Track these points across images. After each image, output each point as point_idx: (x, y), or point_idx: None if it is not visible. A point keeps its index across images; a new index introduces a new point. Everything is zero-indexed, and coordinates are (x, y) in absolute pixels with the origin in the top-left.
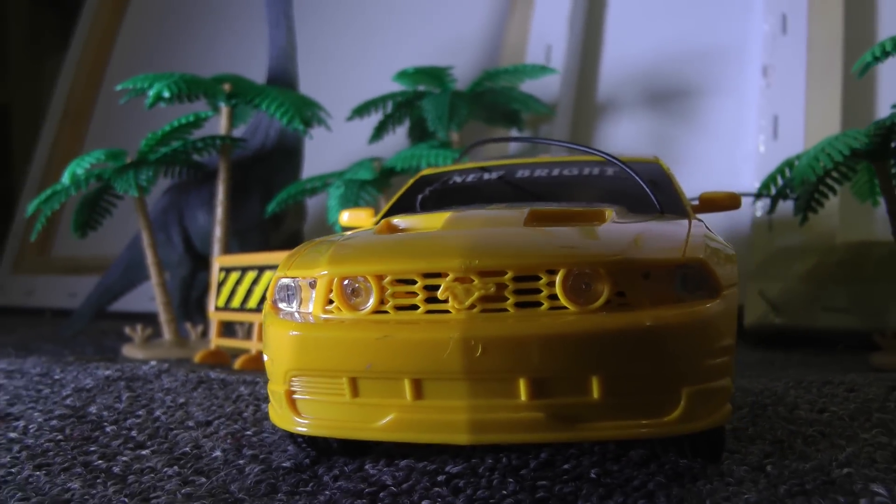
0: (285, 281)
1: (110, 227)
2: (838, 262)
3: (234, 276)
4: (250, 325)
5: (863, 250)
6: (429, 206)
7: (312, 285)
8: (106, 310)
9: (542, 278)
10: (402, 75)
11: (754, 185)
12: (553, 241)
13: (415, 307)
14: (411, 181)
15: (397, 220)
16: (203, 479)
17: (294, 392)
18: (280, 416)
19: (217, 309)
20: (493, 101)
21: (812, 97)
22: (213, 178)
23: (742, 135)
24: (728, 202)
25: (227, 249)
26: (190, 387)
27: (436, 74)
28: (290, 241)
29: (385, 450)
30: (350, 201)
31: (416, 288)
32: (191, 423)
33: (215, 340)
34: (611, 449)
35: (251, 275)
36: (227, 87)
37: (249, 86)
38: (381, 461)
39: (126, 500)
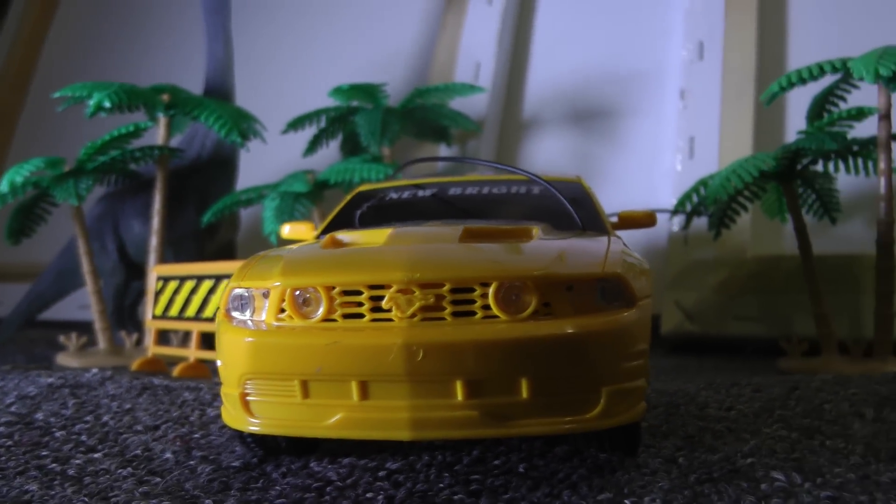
0: (239, 291)
1: (39, 233)
2: (749, 274)
3: (172, 285)
4: (186, 333)
5: (772, 263)
6: (367, 221)
7: (265, 295)
8: (35, 318)
9: (476, 290)
10: (337, 91)
11: (671, 202)
12: (486, 256)
13: (360, 316)
14: (349, 197)
15: (341, 236)
16: (157, 479)
17: (247, 394)
18: (233, 417)
19: (154, 317)
20: (423, 117)
21: (726, 120)
22: (148, 188)
23: (660, 154)
24: (645, 220)
25: (162, 258)
26: (135, 393)
27: (369, 91)
28: (223, 251)
29: (329, 448)
30: (285, 213)
31: (362, 298)
32: (139, 428)
33: (152, 349)
34: (537, 446)
35: (189, 284)
36: (165, 97)
37: (188, 97)
38: (325, 459)
39: (86, 499)
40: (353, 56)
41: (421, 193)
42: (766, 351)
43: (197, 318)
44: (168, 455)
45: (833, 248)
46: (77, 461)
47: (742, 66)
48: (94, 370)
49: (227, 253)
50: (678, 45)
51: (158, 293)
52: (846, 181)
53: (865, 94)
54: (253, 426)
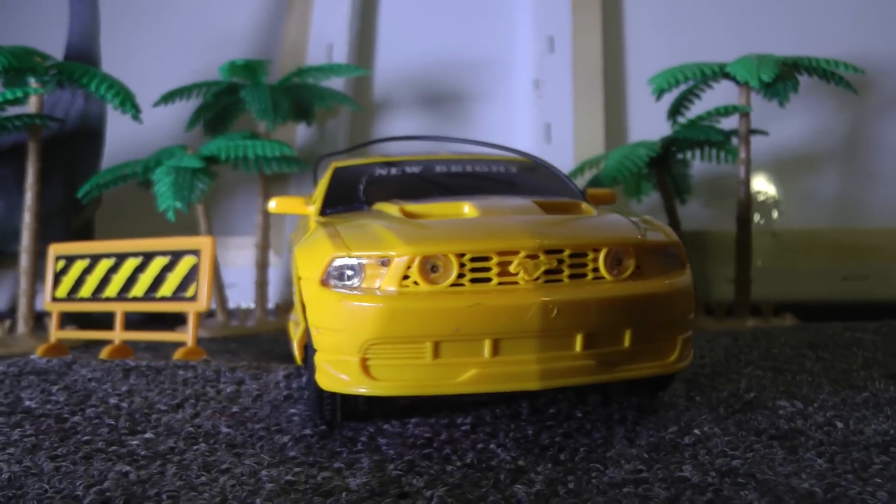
0: (346, 261)
1: None
2: None
3: (80, 264)
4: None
5: None
6: (376, 196)
7: (384, 263)
8: None
9: (588, 255)
10: (231, 67)
11: None
12: (592, 225)
13: (486, 280)
14: (329, 173)
15: (410, 208)
16: (251, 451)
17: (368, 359)
18: (345, 382)
19: (56, 300)
20: (300, 95)
21: (578, 109)
22: (4, 160)
23: (516, 139)
24: (608, 199)
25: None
26: (119, 375)
27: (252, 67)
28: (83, 229)
29: (386, 414)
30: (185, 188)
31: (490, 264)
32: (161, 408)
33: (55, 333)
34: (571, 396)
35: (106, 262)
36: (38, 61)
37: (74, 64)
38: (394, 422)
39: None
40: (198, 29)
41: (410, 169)
42: None
43: (120, 297)
44: (226, 430)
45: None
46: (133, 442)
47: (590, 61)
48: (43, 358)
49: (87, 231)
50: (527, 38)
51: (60, 274)
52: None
53: (719, 94)
54: (375, 389)
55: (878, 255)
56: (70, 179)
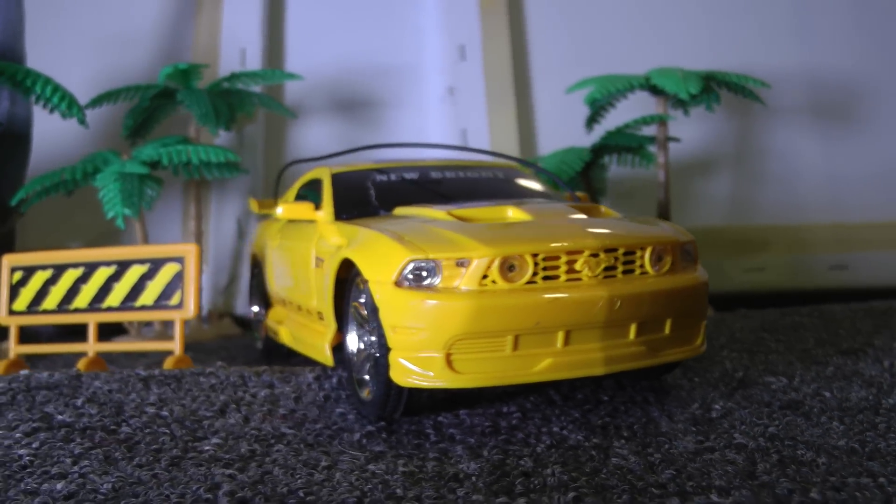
0: (421, 263)
1: None
2: None
3: (41, 275)
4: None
5: None
6: (389, 201)
7: (462, 264)
8: None
9: (637, 252)
10: (175, 71)
11: None
12: (640, 228)
13: (556, 277)
14: (328, 180)
15: (458, 212)
16: (336, 449)
17: (452, 354)
18: (429, 376)
19: (14, 313)
20: (231, 101)
21: (493, 115)
22: None
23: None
24: (586, 202)
25: None
26: (139, 386)
27: (186, 72)
28: (7, 238)
29: (436, 406)
30: (134, 195)
31: (559, 262)
32: (207, 414)
33: (15, 349)
34: (588, 382)
35: (73, 273)
36: None
37: (14, 65)
38: (446, 414)
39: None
40: (97, 29)
41: (409, 175)
42: None
43: (93, 308)
44: (289, 431)
45: None
46: (207, 447)
47: (500, 68)
48: (45, 374)
49: (9, 242)
50: (438, 45)
51: (18, 285)
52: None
53: (629, 103)
54: (459, 382)
55: (771, 250)
56: None
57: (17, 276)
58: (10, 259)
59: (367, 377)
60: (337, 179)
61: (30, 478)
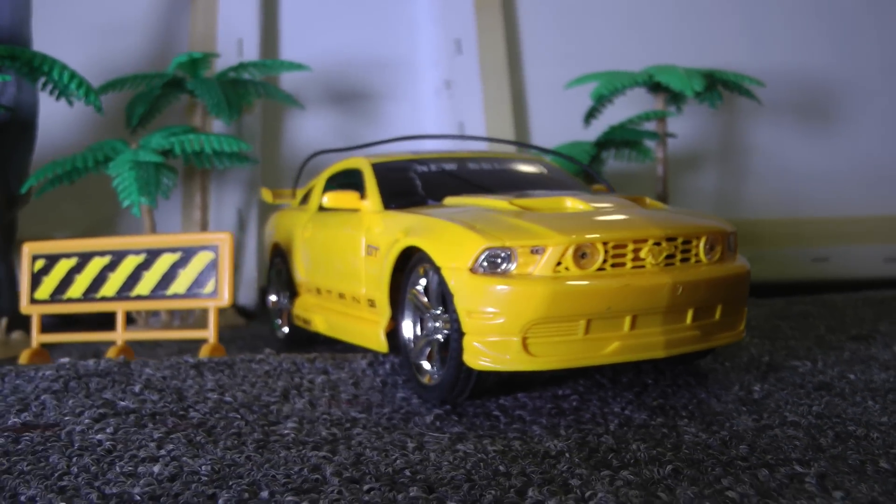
0: (497, 250)
1: None
2: None
3: (66, 263)
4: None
5: None
6: (436, 191)
7: (536, 252)
8: None
9: (693, 241)
10: (190, 61)
11: None
12: (693, 219)
13: (622, 265)
14: (369, 170)
15: (519, 202)
16: (416, 429)
17: (528, 338)
18: (506, 360)
19: (36, 301)
20: (239, 91)
21: (489, 107)
22: None
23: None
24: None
25: None
26: (192, 373)
27: (195, 62)
28: (10, 225)
29: (490, 391)
30: (150, 183)
31: (626, 250)
32: (271, 399)
33: (37, 337)
34: (629, 367)
35: (100, 261)
36: None
37: (33, 52)
38: (507, 397)
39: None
40: (93, 17)
41: (448, 167)
42: None
43: (121, 297)
44: (359, 415)
45: None
46: (285, 431)
47: (495, 62)
48: (90, 361)
49: (11, 229)
50: (434, 39)
51: (41, 273)
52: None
53: (627, 100)
54: (534, 365)
55: (758, 243)
56: (3, 174)
57: (40, 264)
58: (32, 247)
59: (424, 362)
60: (378, 170)
61: (120, 461)
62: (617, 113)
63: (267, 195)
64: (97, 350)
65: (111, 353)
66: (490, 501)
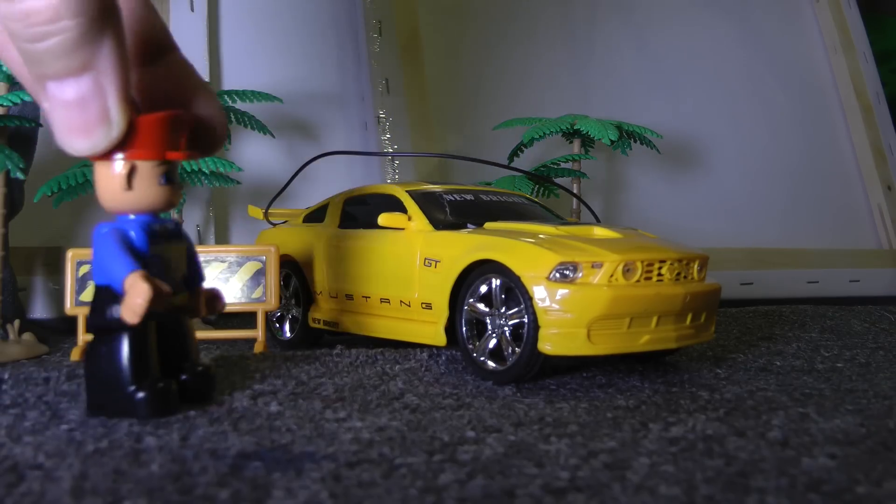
0: (567, 263)
1: None
2: None
3: None
4: None
5: None
6: (467, 217)
7: (596, 266)
8: None
9: (692, 263)
10: None
11: None
12: (687, 247)
13: (649, 278)
14: (408, 197)
15: (564, 229)
16: (521, 403)
17: (591, 331)
18: (573, 347)
19: (82, 304)
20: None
21: (416, 141)
22: None
23: (366, 165)
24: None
25: None
26: (288, 364)
27: None
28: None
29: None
30: None
31: (653, 267)
32: (376, 383)
33: (84, 337)
34: (619, 360)
35: None
36: None
37: None
38: (546, 380)
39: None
40: None
41: (467, 197)
42: None
43: None
44: (452, 390)
45: None
46: (413, 399)
47: (419, 101)
48: None
49: (5, 237)
50: (368, 79)
51: (87, 277)
52: None
53: (548, 143)
54: (594, 351)
55: None
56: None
57: (84, 269)
58: (76, 254)
59: (486, 356)
60: (415, 196)
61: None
62: (534, 153)
63: (255, 212)
64: None
65: None
66: (625, 431)
